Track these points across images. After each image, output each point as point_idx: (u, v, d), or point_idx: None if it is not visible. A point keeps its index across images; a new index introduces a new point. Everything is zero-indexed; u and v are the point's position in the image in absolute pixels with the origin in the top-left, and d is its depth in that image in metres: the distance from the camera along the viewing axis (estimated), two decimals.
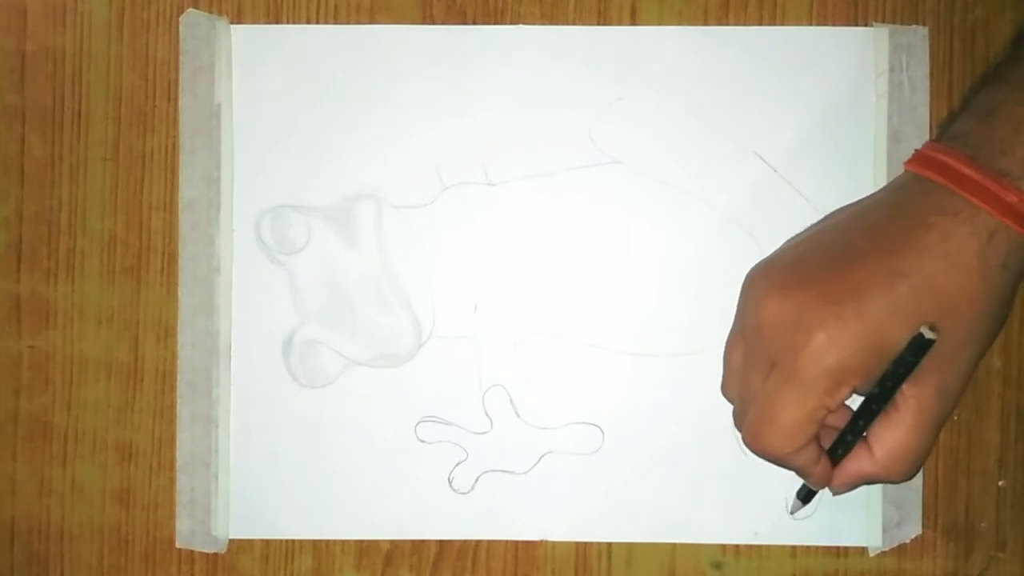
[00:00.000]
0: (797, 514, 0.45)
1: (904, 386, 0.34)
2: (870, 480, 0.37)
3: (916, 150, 0.36)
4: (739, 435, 0.37)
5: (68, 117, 0.46)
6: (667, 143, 0.45)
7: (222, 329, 0.45)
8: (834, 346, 0.34)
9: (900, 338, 0.34)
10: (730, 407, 0.40)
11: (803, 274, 0.36)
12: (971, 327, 0.34)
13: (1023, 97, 0.34)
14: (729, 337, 0.39)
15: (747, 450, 0.37)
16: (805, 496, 0.40)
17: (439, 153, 0.45)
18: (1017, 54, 0.36)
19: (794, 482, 0.45)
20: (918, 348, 0.33)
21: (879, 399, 0.35)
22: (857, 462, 0.37)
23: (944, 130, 0.37)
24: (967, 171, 0.34)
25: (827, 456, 0.37)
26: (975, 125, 0.35)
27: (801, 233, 0.39)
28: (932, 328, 0.33)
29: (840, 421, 0.37)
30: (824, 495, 0.39)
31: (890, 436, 0.35)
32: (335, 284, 0.45)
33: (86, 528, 0.46)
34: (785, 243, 0.39)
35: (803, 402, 0.34)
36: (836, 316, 0.34)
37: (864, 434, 0.36)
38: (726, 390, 0.39)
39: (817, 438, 0.36)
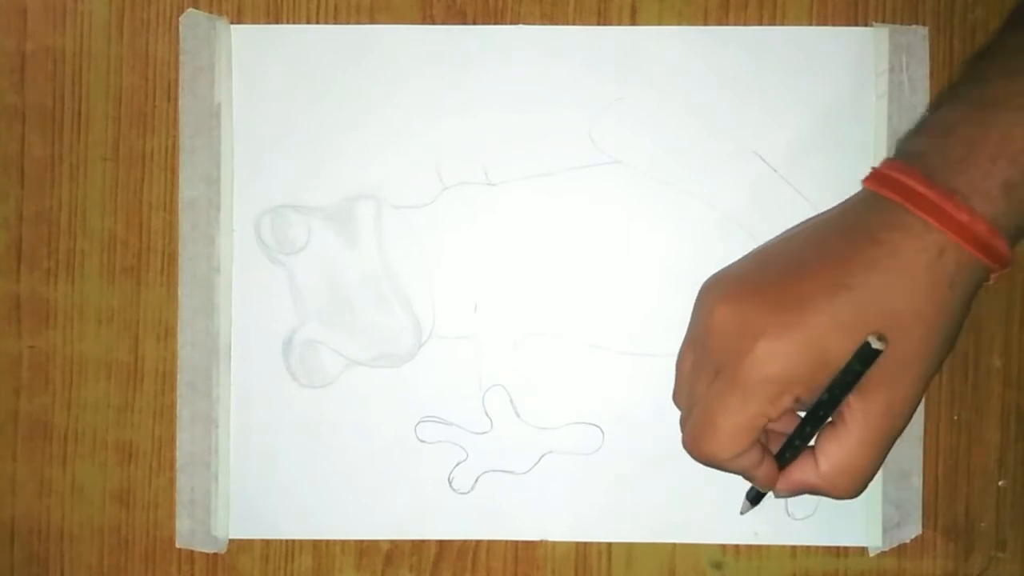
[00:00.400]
0: (797, 515, 0.45)
1: (852, 400, 0.35)
2: (813, 490, 0.37)
3: (873, 168, 0.36)
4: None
5: (68, 117, 0.46)
6: (667, 143, 0.45)
7: (222, 329, 0.45)
8: (777, 355, 0.34)
9: (843, 350, 0.34)
10: None
11: (752, 284, 0.36)
12: (918, 343, 0.34)
13: (979, 118, 0.34)
14: (681, 345, 0.39)
15: (688, 455, 0.37)
16: (754, 498, 0.40)
17: (439, 153, 0.45)
18: (974, 74, 0.36)
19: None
20: (865, 357, 0.33)
21: (826, 406, 0.35)
22: (802, 471, 0.37)
23: (901, 147, 0.37)
24: (920, 189, 0.34)
25: (772, 459, 0.37)
26: (931, 144, 0.35)
27: (759, 247, 0.39)
28: (880, 338, 0.33)
29: (788, 427, 0.37)
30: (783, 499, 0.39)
31: (836, 450, 0.36)
32: (335, 284, 0.45)
33: (86, 528, 0.46)
34: (742, 256, 0.39)
35: (744, 408, 0.35)
36: (780, 325, 0.34)
37: (811, 443, 0.37)
38: (676, 398, 0.40)
39: (761, 442, 0.36)
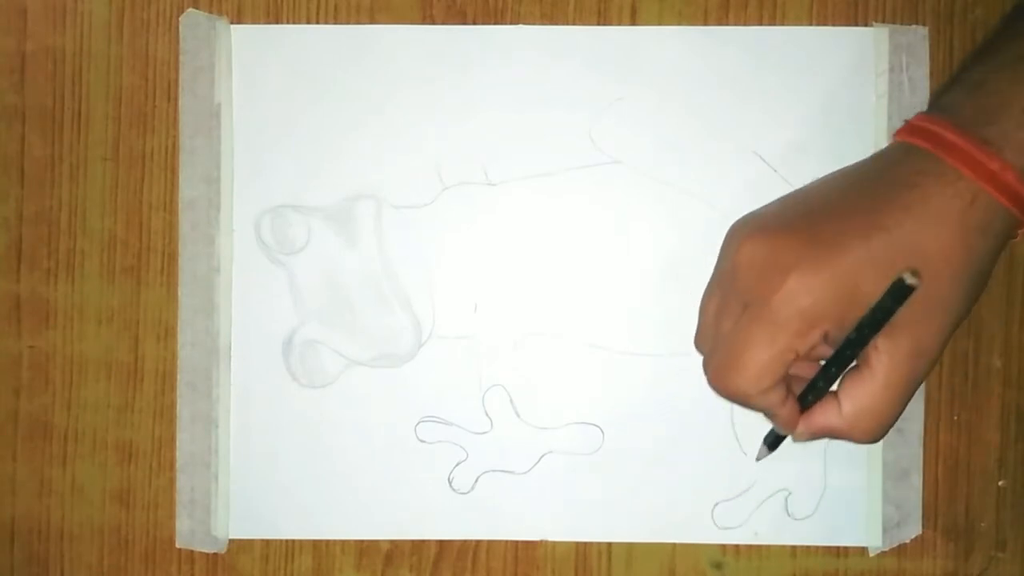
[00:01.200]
0: (797, 515, 0.45)
1: (878, 341, 0.34)
2: (835, 434, 0.37)
3: (906, 120, 0.37)
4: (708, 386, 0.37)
5: (68, 117, 0.46)
6: (667, 143, 0.45)
7: (222, 329, 0.45)
8: (808, 289, 0.34)
9: (874, 289, 0.34)
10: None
11: (783, 222, 0.36)
12: (948, 287, 0.34)
13: (1011, 74, 0.34)
14: (706, 289, 0.39)
15: (712, 390, 0.36)
16: (772, 442, 0.40)
17: (439, 153, 0.45)
18: (1008, 31, 0.37)
19: (794, 485, 0.45)
20: (898, 294, 0.33)
21: (853, 345, 0.35)
22: (824, 414, 0.36)
23: (934, 102, 0.37)
24: (952, 138, 0.34)
25: (795, 400, 0.37)
26: (963, 97, 0.35)
27: (789, 193, 0.39)
28: (914, 274, 0.33)
29: (808, 372, 0.37)
30: (795, 453, 0.40)
31: (859, 392, 0.35)
32: (335, 284, 0.45)
33: (86, 528, 0.46)
34: (771, 201, 0.39)
35: (773, 342, 0.34)
36: (812, 259, 0.34)
37: (835, 386, 0.36)
38: (698, 340, 0.39)
39: (786, 382, 0.36)
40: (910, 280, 0.33)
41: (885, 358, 0.35)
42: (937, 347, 0.35)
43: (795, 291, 0.34)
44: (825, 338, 0.35)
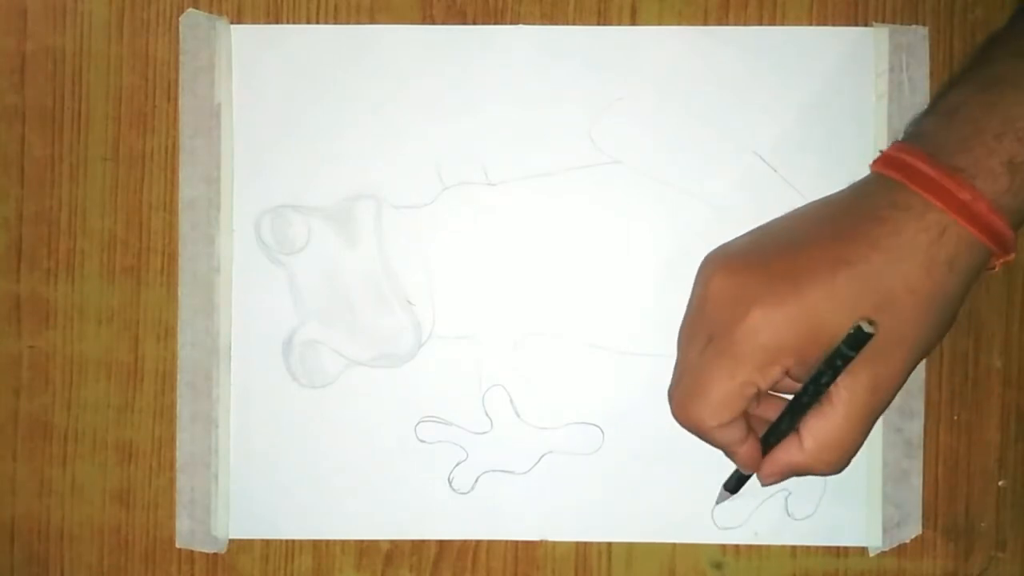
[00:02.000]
0: (797, 515, 0.45)
1: (839, 377, 0.35)
2: (799, 471, 0.37)
3: (881, 150, 0.37)
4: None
5: (68, 117, 0.46)
6: (667, 143, 0.45)
7: (222, 329, 0.45)
8: (770, 324, 0.34)
9: (836, 325, 0.34)
10: None
11: (751, 256, 0.36)
12: (910, 324, 0.34)
13: (985, 99, 0.34)
14: (682, 320, 0.39)
15: (675, 420, 0.37)
16: (734, 486, 0.40)
17: (439, 153, 0.45)
18: (983, 56, 0.37)
19: (794, 485, 0.45)
20: (855, 341, 0.33)
21: (812, 391, 0.35)
22: (787, 452, 0.37)
23: (908, 130, 0.37)
24: (922, 167, 0.34)
25: (756, 439, 0.37)
26: (937, 125, 0.35)
27: (762, 224, 0.39)
28: (871, 323, 0.33)
29: (773, 414, 0.37)
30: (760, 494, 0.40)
31: (820, 427, 0.36)
32: (335, 284, 0.45)
33: (86, 528, 0.46)
34: (745, 232, 0.39)
35: (733, 375, 0.35)
36: (776, 294, 0.34)
37: (796, 426, 0.37)
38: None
39: (747, 422, 0.36)
40: (867, 328, 0.33)
41: (844, 393, 0.35)
42: (898, 380, 0.35)
43: (757, 325, 0.34)
44: (786, 373, 0.35)
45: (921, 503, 0.45)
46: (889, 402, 0.36)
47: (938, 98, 0.38)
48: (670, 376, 0.45)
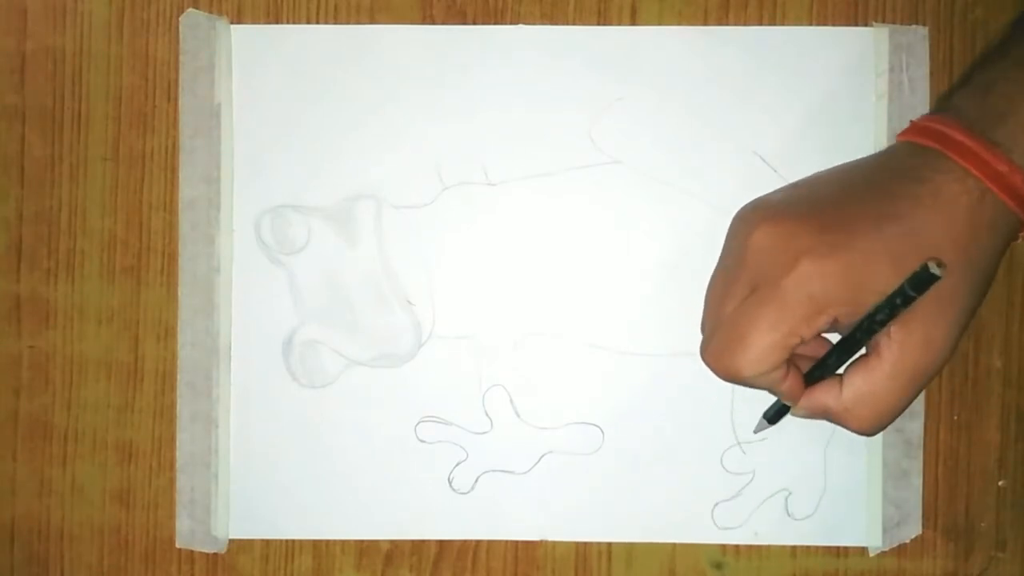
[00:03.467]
0: (797, 515, 0.45)
1: (892, 329, 0.34)
2: (831, 416, 0.36)
3: (911, 121, 0.37)
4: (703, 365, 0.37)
5: (68, 117, 0.46)
6: (667, 143, 0.45)
7: (222, 329, 0.45)
8: (820, 274, 0.34)
9: (886, 277, 0.34)
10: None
11: (795, 208, 0.36)
12: (960, 280, 0.34)
13: (1019, 74, 0.34)
14: (710, 278, 0.39)
15: (709, 370, 0.36)
16: (772, 417, 0.40)
17: (439, 153, 0.45)
18: (1017, 32, 0.37)
19: (794, 485, 0.45)
20: (920, 282, 0.33)
21: (866, 328, 0.35)
22: (826, 393, 0.36)
23: (941, 103, 0.37)
24: (960, 138, 0.34)
25: (799, 373, 0.37)
26: (971, 98, 0.35)
27: (795, 181, 0.39)
28: (939, 264, 0.33)
29: (818, 352, 0.37)
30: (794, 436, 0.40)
31: (863, 379, 0.35)
32: (335, 284, 0.45)
33: (86, 528, 0.46)
34: (778, 188, 0.39)
35: (778, 325, 0.34)
36: (826, 244, 0.34)
37: (841, 369, 0.36)
38: (702, 326, 0.39)
39: (789, 359, 0.36)
40: (935, 269, 0.33)
41: (895, 347, 0.35)
42: (948, 341, 0.35)
43: (806, 275, 0.34)
44: (833, 325, 0.35)
45: (921, 503, 0.45)
46: (936, 370, 0.35)
47: (971, 73, 0.37)
48: (670, 376, 0.45)
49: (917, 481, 0.45)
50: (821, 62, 0.45)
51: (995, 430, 0.45)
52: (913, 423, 0.44)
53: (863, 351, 0.36)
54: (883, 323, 0.34)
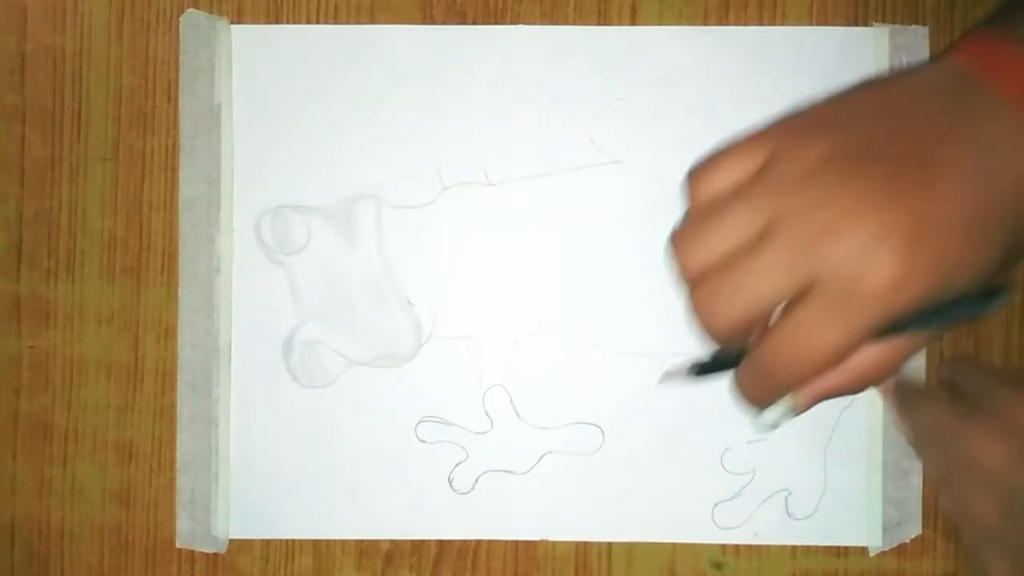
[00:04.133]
0: (797, 515, 0.45)
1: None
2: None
3: (965, 33, 0.30)
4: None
5: (68, 117, 0.46)
6: (667, 143, 0.45)
7: (222, 329, 0.45)
8: (912, 288, 0.27)
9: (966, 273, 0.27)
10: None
11: (875, 170, 0.28)
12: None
13: None
14: (742, 139, 0.34)
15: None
16: (700, 370, 0.34)
17: (439, 153, 0.45)
18: None
19: (794, 485, 0.45)
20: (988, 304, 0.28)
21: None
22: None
23: (985, 23, 0.31)
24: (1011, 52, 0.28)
25: None
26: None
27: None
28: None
29: None
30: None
31: None
32: (335, 284, 0.45)
33: (86, 528, 0.46)
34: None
35: (851, 336, 0.27)
36: (925, 259, 0.27)
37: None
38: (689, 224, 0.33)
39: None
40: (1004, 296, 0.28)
41: None
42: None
43: (896, 289, 0.26)
44: None
45: (921, 503, 0.45)
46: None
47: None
48: None
49: (917, 481, 0.45)
50: (821, 62, 0.45)
51: None
52: None
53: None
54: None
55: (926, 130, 0.28)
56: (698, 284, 0.31)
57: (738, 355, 0.31)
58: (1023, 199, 0.27)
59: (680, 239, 0.32)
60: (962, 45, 0.30)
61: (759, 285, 0.28)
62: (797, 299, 0.28)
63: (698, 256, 0.31)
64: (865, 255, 0.26)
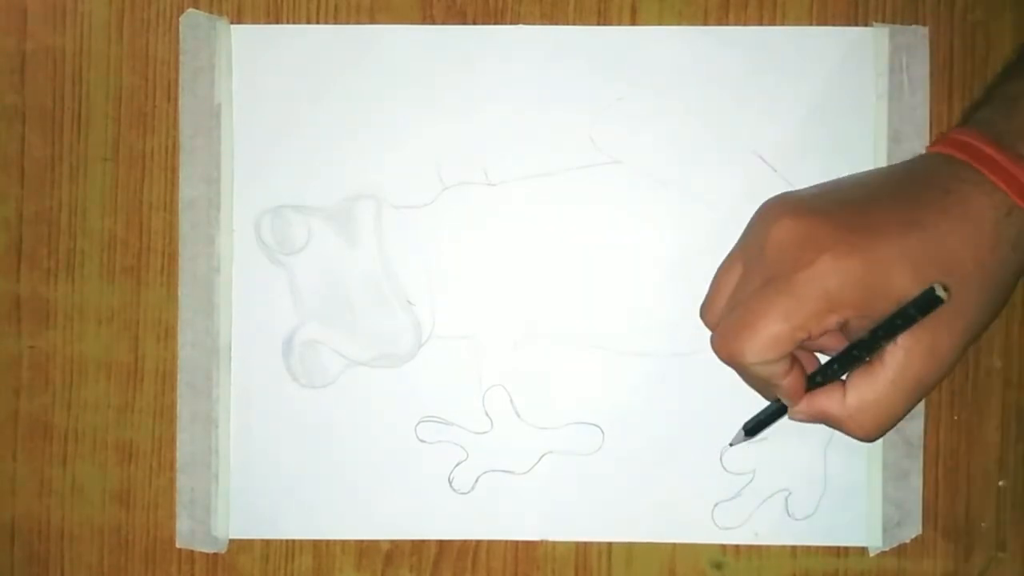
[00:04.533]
0: (797, 515, 0.45)
1: (899, 336, 0.34)
2: (833, 423, 0.37)
3: (940, 133, 0.37)
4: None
5: (68, 117, 0.46)
6: (667, 143, 0.45)
7: (222, 329, 0.45)
8: (838, 271, 0.34)
9: (902, 284, 0.34)
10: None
11: (821, 205, 0.36)
12: (975, 294, 0.34)
13: None
14: (723, 262, 0.39)
15: (716, 356, 0.37)
16: (751, 429, 0.40)
17: (439, 153, 0.45)
18: None
19: (794, 485, 0.45)
20: (924, 304, 0.33)
21: (867, 345, 0.35)
22: (828, 399, 0.36)
23: (967, 117, 0.37)
24: (988, 151, 0.34)
25: (802, 372, 0.37)
26: (997, 113, 0.35)
27: (824, 182, 0.39)
28: (945, 289, 0.33)
29: (810, 364, 0.38)
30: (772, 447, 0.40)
31: (865, 386, 0.35)
32: (335, 284, 0.45)
33: (86, 528, 0.46)
34: (807, 187, 0.39)
35: (788, 317, 0.34)
36: (848, 244, 0.34)
37: (842, 376, 0.36)
38: (706, 311, 0.39)
39: (793, 354, 0.36)
40: (940, 293, 0.33)
41: (900, 354, 0.35)
42: (953, 353, 0.35)
43: (824, 271, 0.34)
44: (841, 327, 0.35)
45: (921, 503, 0.45)
46: (939, 379, 0.35)
47: (993, 88, 0.38)
48: (670, 376, 0.45)
49: (917, 481, 0.45)
50: (821, 62, 0.45)
51: (995, 430, 0.45)
52: (913, 423, 0.44)
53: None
54: (884, 340, 0.34)
55: (904, 194, 0.35)
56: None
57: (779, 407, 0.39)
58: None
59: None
60: (936, 142, 0.36)
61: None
62: None
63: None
64: (823, 273, 0.35)
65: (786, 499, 0.45)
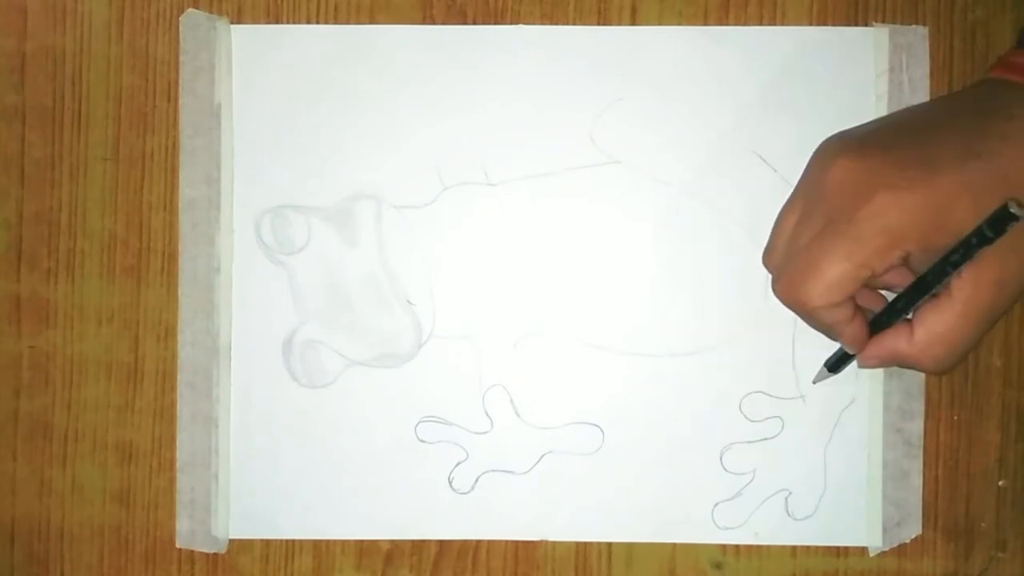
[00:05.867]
0: (797, 515, 0.45)
1: (962, 269, 0.34)
2: (905, 361, 0.36)
3: (999, 57, 0.36)
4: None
5: (68, 117, 0.46)
6: (667, 143, 0.45)
7: (222, 329, 0.45)
8: (897, 207, 0.34)
9: (964, 215, 0.33)
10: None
11: (878, 143, 0.36)
12: None
13: None
14: (785, 205, 0.39)
15: (779, 301, 0.37)
16: (834, 365, 0.40)
17: (439, 153, 0.45)
18: None
19: (794, 485, 0.45)
20: (997, 223, 0.32)
21: (938, 272, 0.34)
22: (896, 339, 0.36)
23: (1023, 38, 0.37)
24: None
25: (864, 320, 0.37)
26: None
27: (882, 117, 0.39)
28: (1020, 204, 0.32)
29: (876, 305, 0.37)
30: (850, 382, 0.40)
31: (935, 319, 0.35)
32: (335, 284, 0.45)
33: (86, 528, 0.46)
34: (865, 122, 0.39)
35: (851, 255, 0.34)
36: (905, 179, 0.34)
37: (910, 313, 0.36)
38: (768, 256, 0.39)
39: (856, 302, 0.36)
40: (1015, 209, 0.32)
41: (968, 285, 0.34)
42: (1020, 280, 0.34)
43: (883, 207, 0.34)
44: (905, 260, 0.34)
45: (921, 503, 0.45)
46: (1007, 307, 0.35)
47: None
48: (670, 376, 0.45)
49: (917, 481, 0.45)
50: (821, 62, 0.45)
51: (995, 430, 0.45)
52: (913, 423, 0.44)
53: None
54: (957, 265, 0.34)
55: (964, 124, 0.34)
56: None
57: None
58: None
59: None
60: (995, 65, 0.35)
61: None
62: None
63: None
64: (881, 209, 0.34)
65: (786, 499, 0.45)
